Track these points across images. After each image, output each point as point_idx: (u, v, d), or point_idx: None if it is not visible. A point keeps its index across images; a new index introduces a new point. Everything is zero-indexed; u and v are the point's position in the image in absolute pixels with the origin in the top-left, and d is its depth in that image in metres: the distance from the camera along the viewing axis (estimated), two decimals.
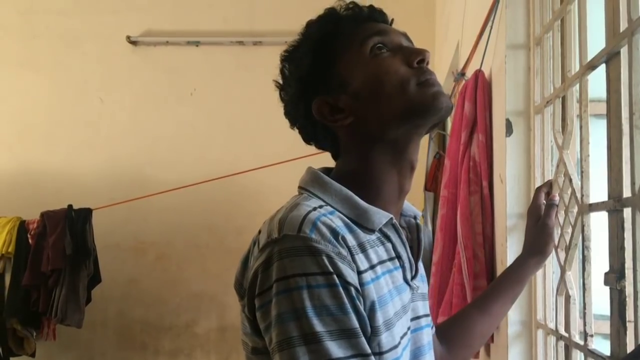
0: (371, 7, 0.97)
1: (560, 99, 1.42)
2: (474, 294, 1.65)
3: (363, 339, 0.77)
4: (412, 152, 0.94)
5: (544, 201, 1.27)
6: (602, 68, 1.15)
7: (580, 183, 1.24)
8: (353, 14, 0.95)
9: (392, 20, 0.99)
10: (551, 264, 1.44)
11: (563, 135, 1.39)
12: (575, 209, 1.26)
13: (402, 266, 0.92)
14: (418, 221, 1.02)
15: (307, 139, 1.01)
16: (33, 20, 4.27)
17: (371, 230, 0.88)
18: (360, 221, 0.87)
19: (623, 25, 1.04)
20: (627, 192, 1.03)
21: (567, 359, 1.35)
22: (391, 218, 0.90)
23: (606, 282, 1.08)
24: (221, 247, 4.08)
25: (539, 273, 1.47)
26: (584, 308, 1.21)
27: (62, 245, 3.58)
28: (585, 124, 1.25)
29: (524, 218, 1.55)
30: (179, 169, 4.05)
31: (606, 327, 1.10)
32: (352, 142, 0.94)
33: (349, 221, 0.86)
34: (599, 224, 1.20)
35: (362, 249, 0.84)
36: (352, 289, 0.78)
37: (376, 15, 0.97)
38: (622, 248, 1.03)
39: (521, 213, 1.58)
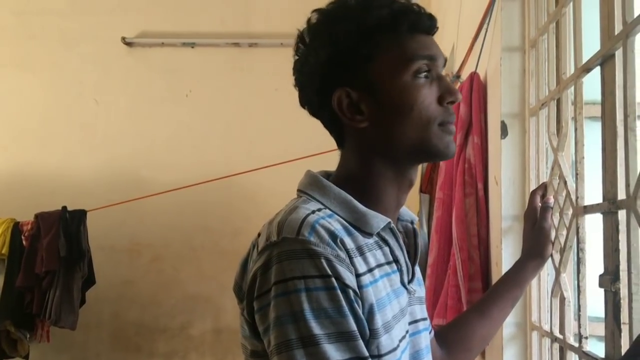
0: (432, 18, 0.92)
1: (555, 101, 1.43)
2: (469, 295, 1.65)
3: (361, 342, 0.77)
4: (413, 173, 0.95)
5: (540, 204, 1.27)
6: (597, 70, 1.15)
7: (575, 185, 1.25)
8: (416, 18, 0.90)
9: (437, 29, 0.94)
10: (546, 266, 1.44)
11: (558, 138, 1.39)
12: (570, 211, 1.26)
13: (400, 270, 0.93)
14: (415, 226, 1.02)
15: (313, 114, 0.97)
16: (28, 21, 4.26)
17: (369, 234, 0.88)
18: (358, 225, 0.87)
19: (618, 27, 1.05)
20: (621, 195, 1.03)
21: None
22: (389, 222, 0.90)
23: (601, 284, 1.08)
24: (217, 249, 4.07)
25: None
26: (579, 310, 1.21)
27: (57, 246, 3.57)
28: (580, 127, 1.25)
29: (519, 220, 1.55)
30: (175, 170, 4.04)
31: (601, 329, 1.10)
32: (359, 146, 0.93)
33: (347, 224, 0.86)
34: (593, 226, 1.20)
35: (361, 252, 0.84)
36: (351, 292, 0.78)
37: (432, 30, 0.93)
38: (617, 250, 1.03)
39: (516, 215, 1.58)
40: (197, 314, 4.09)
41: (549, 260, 1.31)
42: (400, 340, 0.87)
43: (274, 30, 4.04)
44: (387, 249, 0.91)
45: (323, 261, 0.77)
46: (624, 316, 1.01)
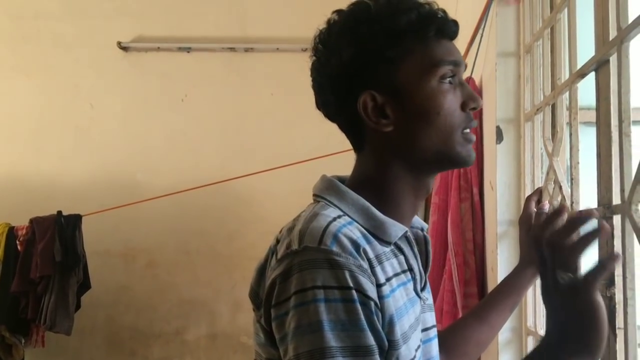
0: (457, 24, 0.91)
1: (550, 106, 1.43)
2: (464, 300, 1.65)
3: (377, 357, 0.76)
4: (431, 180, 0.94)
5: (535, 210, 1.28)
6: (592, 76, 1.16)
7: (570, 190, 1.25)
8: (442, 23, 0.89)
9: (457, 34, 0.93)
10: None
11: (553, 143, 1.39)
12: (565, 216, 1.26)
13: (414, 278, 0.92)
14: (425, 233, 1.01)
15: (329, 116, 0.95)
16: (24, 25, 4.25)
17: (387, 243, 0.87)
18: (376, 233, 0.86)
19: (612, 33, 1.05)
20: (616, 199, 1.04)
21: None
22: (406, 231, 0.90)
23: None
24: (212, 254, 4.06)
25: None
26: None
27: (52, 251, 3.55)
28: (575, 132, 1.26)
29: (515, 225, 1.55)
30: (170, 175, 4.04)
31: None
32: (380, 151, 0.91)
33: (366, 232, 0.85)
34: None
35: (379, 261, 0.83)
36: (372, 304, 0.77)
37: (456, 36, 0.92)
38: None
39: (512, 220, 1.59)
40: (192, 318, 4.07)
41: None
42: (417, 350, 0.86)
43: (269, 35, 4.04)
44: (402, 257, 0.90)
45: (345, 272, 0.76)
46: (619, 321, 1.01)
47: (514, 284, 1.21)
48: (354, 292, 0.76)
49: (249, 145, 4.05)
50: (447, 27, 0.89)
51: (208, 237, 4.07)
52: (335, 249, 0.77)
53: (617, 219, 1.03)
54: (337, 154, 3.28)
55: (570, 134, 1.27)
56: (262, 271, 0.86)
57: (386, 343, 0.78)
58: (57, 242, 3.56)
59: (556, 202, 1.32)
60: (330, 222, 0.81)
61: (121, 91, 4.19)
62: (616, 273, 1.02)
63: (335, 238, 0.78)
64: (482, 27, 1.77)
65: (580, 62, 1.23)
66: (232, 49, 4.11)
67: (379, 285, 0.80)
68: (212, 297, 3.99)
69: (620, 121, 1.01)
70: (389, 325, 0.80)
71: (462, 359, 1.18)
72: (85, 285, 3.70)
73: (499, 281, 1.49)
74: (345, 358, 0.74)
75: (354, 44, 0.87)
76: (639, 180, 0.94)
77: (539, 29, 1.51)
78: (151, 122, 4.15)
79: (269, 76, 3.97)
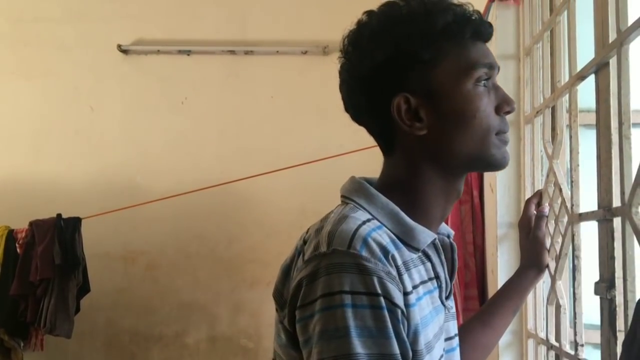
0: (491, 26, 0.91)
1: (550, 109, 1.43)
2: (465, 303, 1.65)
3: None
4: (462, 184, 0.93)
5: (535, 212, 1.27)
6: (592, 78, 1.16)
7: (570, 193, 1.25)
8: (478, 25, 0.88)
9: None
10: None
11: (553, 145, 1.39)
12: (565, 219, 1.26)
13: (440, 286, 0.91)
14: (452, 240, 0.99)
15: (358, 119, 0.93)
16: (24, 28, 4.25)
17: (416, 249, 0.86)
18: (405, 239, 0.85)
19: (612, 36, 1.05)
20: (616, 202, 1.04)
21: None
22: (435, 238, 0.89)
23: (596, 292, 1.08)
24: (212, 257, 4.05)
25: None
26: (575, 317, 1.22)
27: (51, 254, 3.54)
28: (575, 134, 1.26)
29: (515, 227, 1.55)
30: (170, 177, 4.03)
31: (597, 337, 1.10)
32: (413, 154, 0.89)
33: (394, 237, 0.84)
34: (589, 233, 1.20)
35: (407, 268, 0.82)
36: (399, 312, 0.76)
37: (490, 38, 0.91)
38: (612, 257, 1.03)
39: (512, 222, 1.59)
40: (192, 322, 4.07)
41: None
42: (440, 359, 0.86)
43: (269, 38, 4.04)
44: (429, 264, 0.89)
45: (374, 278, 0.75)
46: (620, 324, 1.01)
47: (515, 287, 1.20)
48: (381, 298, 0.75)
49: (249, 148, 4.05)
50: (483, 29, 0.89)
51: (208, 240, 4.07)
52: (364, 253, 0.76)
53: (617, 222, 1.03)
54: (337, 157, 3.29)
55: (570, 137, 1.27)
56: (287, 271, 0.85)
57: (410, 353, 0.78)
58: (56, 245, 3.56)
59: (556, 205, 1.32)
60: (360, 226, 0.80)
61: (121, 94, 4.19)
62: (617, 275, 1.02)
63: (365, 242, 0.77)
64: None
65: (580, 64, 1.23)
66: (232, 52, 4.12)
67: (405, 294, 0.79)
68: (212, 300, 3.98)
69: (620, 123, 1.01)
70: (414, 335, 0.79)
71: None
72: (84, 288, 3.69)
73: (499, 284, 1.49)
74: None
75: (388, 46, 0.85)
76: (639, 182, 0.94)
77: (539, 32, 1.51)
78: (151, 125, 4.15)
79: (269, 79, 3.97)
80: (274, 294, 0.87)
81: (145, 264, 4.10)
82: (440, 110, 0.86)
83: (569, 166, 1.29)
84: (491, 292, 1.65)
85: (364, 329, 0.74)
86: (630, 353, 0.78)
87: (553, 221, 1.31)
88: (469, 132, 0.86)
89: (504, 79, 1.62)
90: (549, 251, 1.28)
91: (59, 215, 3.66)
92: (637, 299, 0.97)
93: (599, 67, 1.11)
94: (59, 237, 3.59)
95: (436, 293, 0.89)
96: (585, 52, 1.20)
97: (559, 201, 1.30)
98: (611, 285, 1.03)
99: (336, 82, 0.95)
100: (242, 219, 3.96)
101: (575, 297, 1.22)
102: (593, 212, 1.13)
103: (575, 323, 1.21)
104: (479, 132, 0.86)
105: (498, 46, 1.64)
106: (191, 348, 4.05)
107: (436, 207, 0.90)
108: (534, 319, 1.50)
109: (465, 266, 1.67)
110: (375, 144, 0.95)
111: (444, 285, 0.92)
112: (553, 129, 1.42)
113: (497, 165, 0.89)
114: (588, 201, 1.21)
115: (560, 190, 1.30)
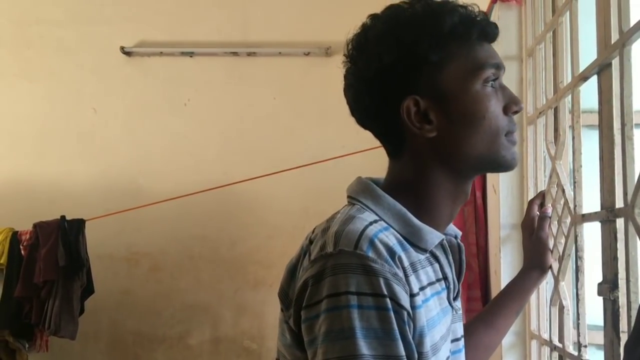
0: (497, 27, 0.91)
1: (553, 110, 1.43)
2: (468, 304, 1.65)
3: None
4: (469, 186, 0.93)
5: (538, 213, 1.28)
6: (594, 79, 1.16)
7: (573, 193, 1.25)
8: (485, 26, 0.88)
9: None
10: None
11: (556, 146, 1.39)
12: (568, 220, 1.26)
13: (448, 287, 0.91)
14: (459, 241, 0.99)
15: (364, 122, 0.93)
16: (26, 30, 4.26)
17: (424, 250, 0.86)
18: (412, 240, 0.85)
19: (614, 37, 1.05)
20: (619, 203, 1.04)
21: None
22: (443, 239, 0.89)
23: (599, 293, 1.08)
24: (215, 258, 4.06)
25: None
26: (578, 318, 1.21)
27: (55, 256, 3.55)
28: (577, 135, 1.26)
29: (518, 228, 1.55)
30: (173, 179, 4.04)
31: (600, 338, 1.10)
32: (421, 156, 0.88)
33: (402, 239, 0.84)
34: (591, 234, 1.20)
35: (414, 269, 0.82)
36: (405, 313, 0.76)
37: (496, 38, 0.92)
38: (615, 258, 1.03)
39: (515, 223, 1.59)
40: (196, 323, 4.07)
41: None
42: None
43: (272, 40, 4.05)
44: (437, 265, 0.89)
45: (380, 279, 0.75)
46: (623, 324, 1.01)
47: (519, 288, 1.20)
48: (388, 300, 0.75)
49: (252, 149, 4.05)
50: (489, 30, 0.89)
51: (211, 242, 4.07)
52: (371, 254, 0.76)
53: (620, 222, 1.03)
54: (339, 158, 3.29)
55: (573, 137, 1.27)
56: (293, 271, 0.85)
57: (415, 355, 0.77)
58: (60, 247, 3.57)
59: (559, 206, 1.32)
60: (367, 226, 0.79)
61: (124, 96, 4.20)
62: (620, 276, 1.02)
63: (372, 243, 0.77)
64: None
65: (583, 65, 1.23)
66: (234, 54, 4.12)
67: (412, 295, 0.78)
68: (216, 301, 3.99)
69: (623, 124, 1.01)
70: (419, 337, 0.79)
71: None
72: (89, 289, 3.70)
73: (502, 284, 1.49)
74: None
75: (396, 48, 0.85)
76: None
77: (541, 33, 1.51)
78: (154, 127, 4.16)
79: (272, 80, 3.98)
80: (279, 294, 0.87)
81: (149, 266, 4.10)
82: (450, 112, 0.86)
83: (571, 167, 1.29)
84: (494, 293, 1.65)
85: (369, 330, 0.74)
86: (633, 356, 0.78)
87: (556, 222, 1.31)
88: (479, 133, 0.86)
89: (507, 80, 1.61)
90: (552, 252, 1.28)
91: (63, 217, 3.67)
92: None
93: (601, 68, 1.12)
94: (63, 238, 3.60)
95: (444, 294, 0.89)
96: (588, 53, 1.20)
97: (562, 202, 1.30)
98: (614, 286, 1.03)
99: (339, 83, 0.95)
100: (245, 221, 3.96)
101: (578, 298, 1.22)
102: (596, 213, 1.12)
103: (578, 324, 1.21)
104: (488, 133, 0.86)
105: (500, 47, 1.64)
106: (195, 349, 4.06)
107: (444, 209, 0.90)
108: (537, 320, 1.50)
109: (468, 267, 1.67)
110: (378, 145, 0.95)
111: (452, 286, 0.92)
112: (556, 129, 1.42)
113: (507, 166, 0.89)
114: (591, 202, 1.21)
115: (563, 191, 1.30)
